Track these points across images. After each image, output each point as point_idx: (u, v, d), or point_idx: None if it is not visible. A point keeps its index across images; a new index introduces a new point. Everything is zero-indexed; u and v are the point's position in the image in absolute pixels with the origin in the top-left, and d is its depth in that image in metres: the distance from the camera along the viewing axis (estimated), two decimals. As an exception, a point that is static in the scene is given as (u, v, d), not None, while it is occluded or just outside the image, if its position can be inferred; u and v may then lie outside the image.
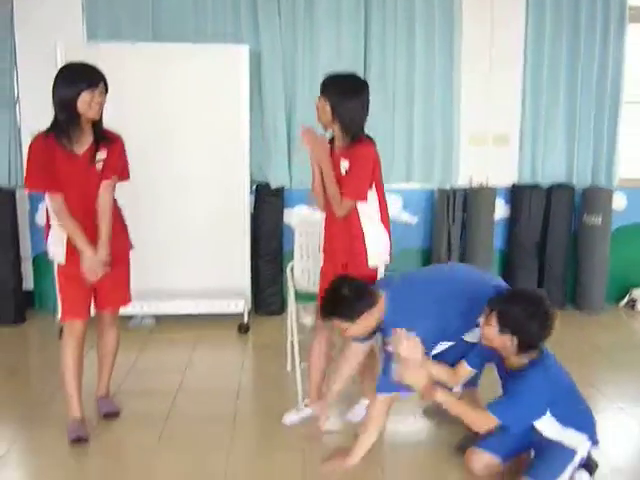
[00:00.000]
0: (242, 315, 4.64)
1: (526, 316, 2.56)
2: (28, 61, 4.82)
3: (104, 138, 3.01)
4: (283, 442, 3.08)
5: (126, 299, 3.31)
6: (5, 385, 3.78)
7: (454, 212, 4.97)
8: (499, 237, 5.20)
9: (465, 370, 2.87)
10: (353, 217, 3.01)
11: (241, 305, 4.65)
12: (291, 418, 3.26)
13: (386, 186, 5.03)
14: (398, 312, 2.76)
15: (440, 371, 2.84)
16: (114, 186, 3.13)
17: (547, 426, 2.64)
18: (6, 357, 4.27)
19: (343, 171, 2.97)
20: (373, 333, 2.92)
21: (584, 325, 4.92)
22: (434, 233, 5.11)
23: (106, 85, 2.92)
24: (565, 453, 2.63)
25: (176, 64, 4.61)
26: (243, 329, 4.62)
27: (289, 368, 3.84)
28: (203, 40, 4.74)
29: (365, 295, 2.76)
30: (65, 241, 2.99)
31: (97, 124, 2.97)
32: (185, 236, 4.73)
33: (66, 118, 2.86)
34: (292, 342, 3.64)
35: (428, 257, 5.21)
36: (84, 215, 2.96)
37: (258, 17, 4.77)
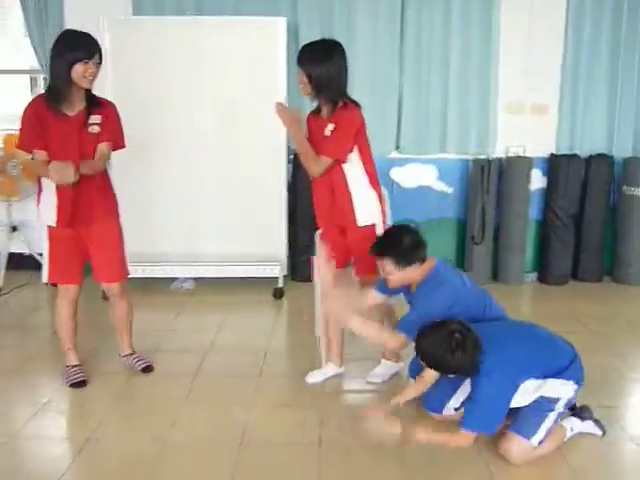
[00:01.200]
0: (277, 280, 4.81)
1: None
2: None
3: (96, 104, 3.12)
4: (303, 399, 3.24)
5: (121, 275, 3.45)
6: (52, 342, 4.00)
7: (489, 183, 4.98)
8: (535, 208, 5.18)
9: (374, 298, 3.08)
10: (339, 180, 3.12)
11: (277, 270, 4.82)
12: (314, 377, 3.42)
13: (421, 156, 5.16)
14: (433, 284, 2.86)
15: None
16: (108, 155, 3.23)
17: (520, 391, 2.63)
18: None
19: (328, 133, 3.07)
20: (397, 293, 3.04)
21: (623, 298, 4.89)
22: (469, 204, 5.13)
23: (101, 56, 3.03)
24: (544, 402, 2.66)
25: (216, 37, 4.74)
26: (278, 294, 4.79)
27: (317, 333, 3.98)
28: (243, 13, 4.85)
29: (421, 248, 2.89)
30: (56, 205, 3.12)
31: (89, 90, 3.08)
32: (224, 203, 4.90)
33: (59, 85, 2.99)
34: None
35: (463, 227, 5.24)
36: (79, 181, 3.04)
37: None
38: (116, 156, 4.68)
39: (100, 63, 3.05)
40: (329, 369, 3.45)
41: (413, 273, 2.87)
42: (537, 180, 5.15)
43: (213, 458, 2.72)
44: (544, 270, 5.21)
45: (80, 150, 3.08)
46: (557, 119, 5.12)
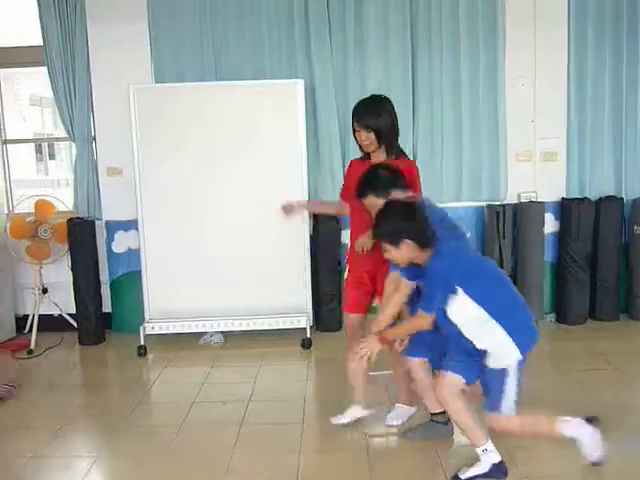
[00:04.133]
0: (305, 331, 4.92)
1: (400, 220, 2.83)
2: (102, 102, 5.31)
3: None
4: (348, 442, 3.34)
5: None
6: (92, 399, 4.15)
7: (504, 228, 5.15)
8: (550, 251, 5.34)
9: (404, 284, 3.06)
10: None
11: (303, 321, 4.94)
12: (338, 419, 3.49)
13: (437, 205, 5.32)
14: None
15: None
16: None
17: (463, 307, 2.74)
18: (92, 374, 4.68)
19: None
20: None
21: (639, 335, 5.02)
22: (485, 249, 5.29)
23: None
24: (500, 371, 2.75)
25: (237, 100, 4.98)
26: (306, 344, 4.90)
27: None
28: (261, 77, 5.11)
29: (400, 180, 3.08)
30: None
31: None
32: (249, 258, 5.05)
33: None
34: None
35: (481, 272, 5.37)
36: None
37: (311, 53, 5.14)
38: (147, 219, 4.92)
39: None
40: (355, 412, 3.51)
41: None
42: (550, 224, 5.33)
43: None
44: (562, 310, 5.34)
45: None
46: (566, 164, 5.34)
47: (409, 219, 2.81)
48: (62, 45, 5.18)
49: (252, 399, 3.91)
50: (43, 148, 9.43)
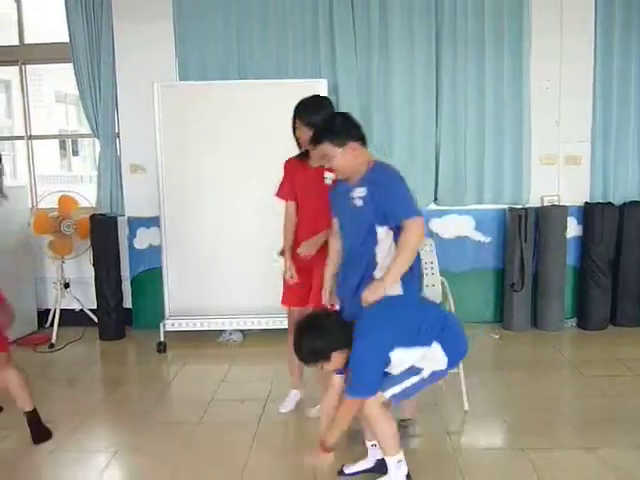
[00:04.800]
0: (323, 331, 4.90)
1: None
2: (127, 99, 5.35)
3: None
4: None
5: None
6: (111, 395, 4.19)
7: (526, 231, 5.11)
8: (572, 255, 5.30)
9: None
10: None
11: (322, 321, 4.92)
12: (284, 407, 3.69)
13: (459, 207, 5.33)
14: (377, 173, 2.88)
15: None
16: None
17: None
18: (112, 370, 4.72)
19: (329, 182, 3.16)
20: None
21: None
22: (507, 252, 5.26)
23: None
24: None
25: (260, 99, 4.98)
26: (325, 344, 4.89)
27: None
28: (285, 76, 5.11)
29: (354, 126, 2.92)
30: None
31: None
32: (271, 256, 5.04)
33: None
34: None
35: (501, 275, 5.36)
36: None
37: (336, 53, 5.13)
38: (169, 216, 4.93)
39: None
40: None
41: (354, 155, 2.86)
42: (572, 228, 5.28)
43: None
44: (583, 316, 5.29)
45: None
46: (589, 168, 5.29)
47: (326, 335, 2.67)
48: (88, 42, 5.24)
49: (270, 398, 3.92)
50: (67, 144, 9.56)
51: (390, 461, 2.75)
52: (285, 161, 3.60)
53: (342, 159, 2.86)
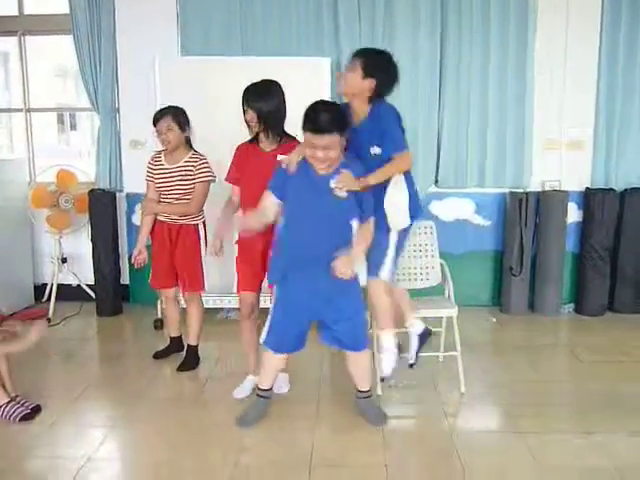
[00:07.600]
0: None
1: (384, 62, 3.15)
2: (127, 73, 5.29)
3: None
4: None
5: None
6: (108, 370, 4.19)
7: (526, 216, 5.10)
8: (571, 241, 5.29)
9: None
10: None
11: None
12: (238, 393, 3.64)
13: (459, 190, 5.30)
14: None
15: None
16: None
17: None
18: (108, 345, 4.71)
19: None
20: None
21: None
22: (506, 236, 5.25)
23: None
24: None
25: (263, 76, 4.89)
26: (322, 324, 4.89)
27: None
28: (288, 53, 5.05)
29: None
30: None
31: None
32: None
33: None
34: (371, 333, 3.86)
35: (500, 259, 5.35)
36: None
37: (339, 32, 5.07)
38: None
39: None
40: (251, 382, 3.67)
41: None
42: (573, 213, 5.28)
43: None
44: (581, 301, 5.30)
45: None
46: (592, 154, 5.26)
47: None
48: (88, 14, 5.15)
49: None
50: (65, 118, 9.46)
51: (383, 335, 3.30)
52: (236, 147, 3.63)
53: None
